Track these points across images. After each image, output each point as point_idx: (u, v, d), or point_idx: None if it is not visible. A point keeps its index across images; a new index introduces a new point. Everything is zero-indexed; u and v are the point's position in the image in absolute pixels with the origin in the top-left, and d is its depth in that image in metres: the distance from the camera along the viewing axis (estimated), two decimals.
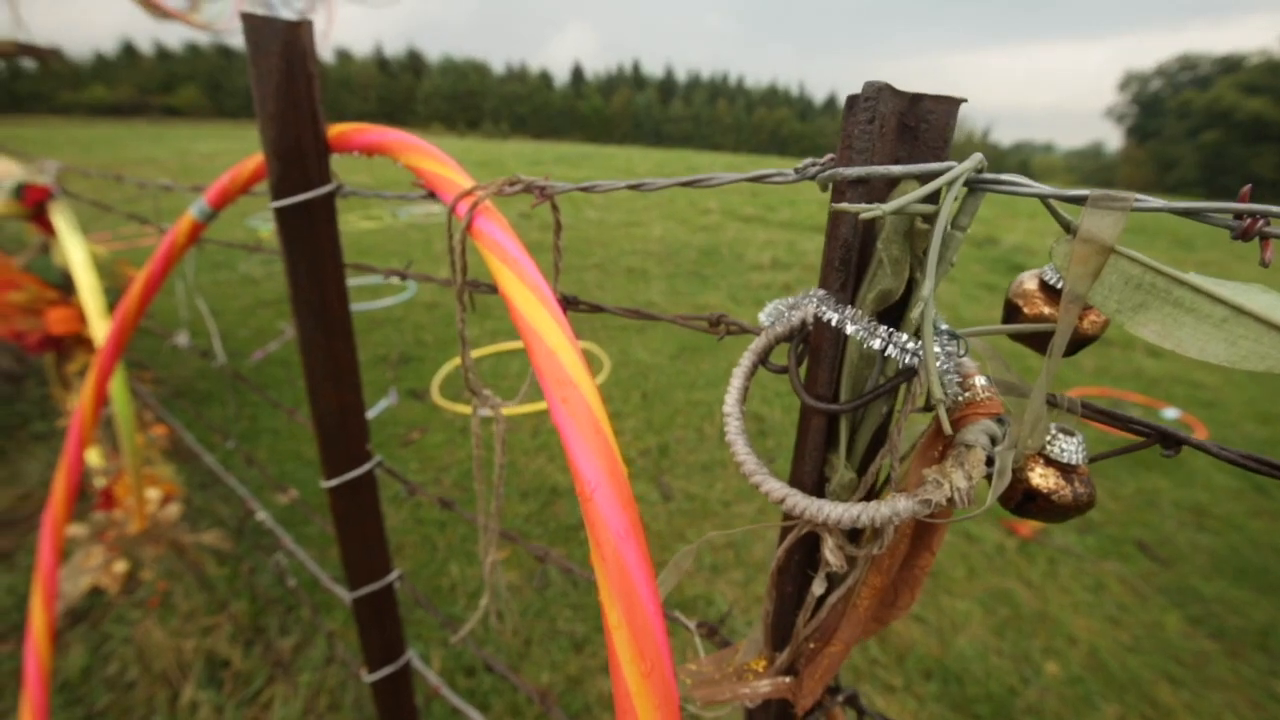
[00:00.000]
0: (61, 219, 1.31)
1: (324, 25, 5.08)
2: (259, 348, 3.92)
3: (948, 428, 0.31)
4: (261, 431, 3.01)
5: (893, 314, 0.36)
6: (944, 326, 0.35)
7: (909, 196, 0.29)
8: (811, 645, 0.43)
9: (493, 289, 0.56)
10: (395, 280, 5.21)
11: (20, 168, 1.31)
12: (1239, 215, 0.27)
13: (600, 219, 9.87)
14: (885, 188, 0.33)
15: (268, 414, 3.20)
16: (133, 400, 1.68)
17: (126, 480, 1.85)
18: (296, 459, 2.78)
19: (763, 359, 0.40)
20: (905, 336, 0.33)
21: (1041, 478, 0.36)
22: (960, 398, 0.36)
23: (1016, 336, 0.36)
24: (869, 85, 0.32)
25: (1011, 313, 0.36)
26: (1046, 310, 0.34)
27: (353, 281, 6.03)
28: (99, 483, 2.02)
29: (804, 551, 0.43)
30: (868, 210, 0.28)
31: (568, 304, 0.59)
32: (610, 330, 4.75)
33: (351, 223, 8.80)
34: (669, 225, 9.58)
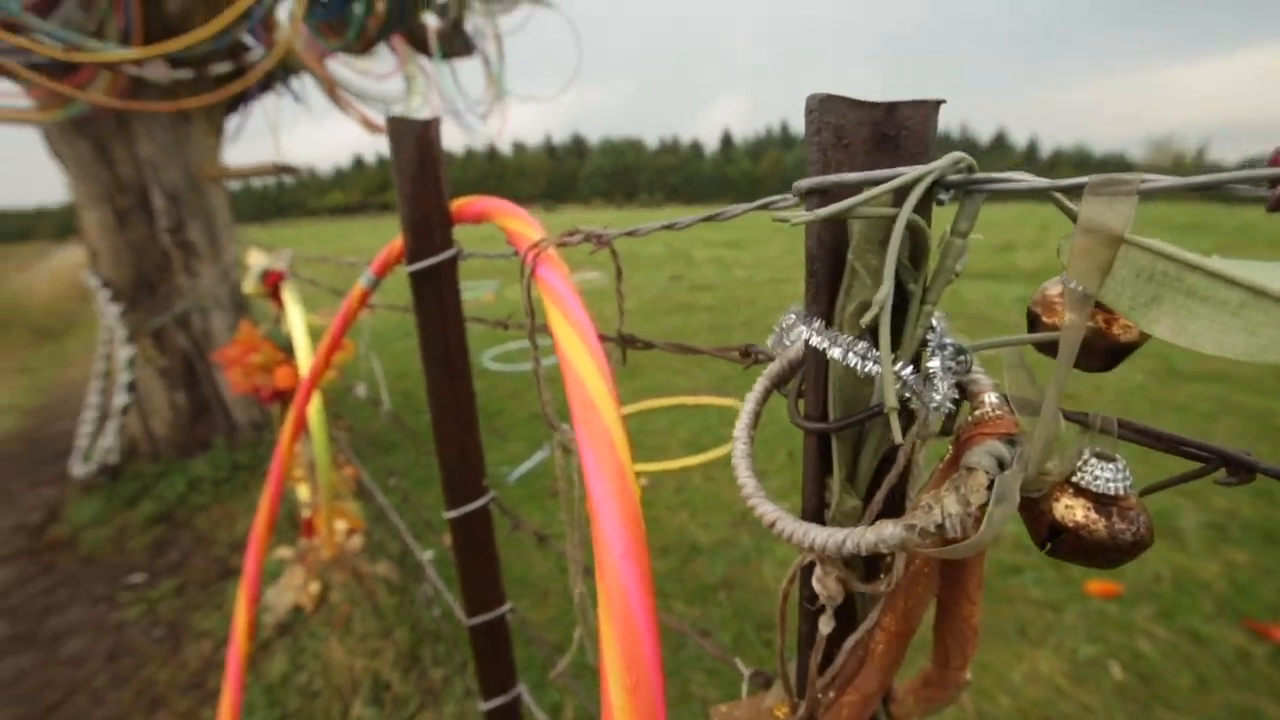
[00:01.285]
0: (289, 296, 1.65)
1: (499, 124, 5.76)
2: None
3: (898, 436, 0.29)
4: (432, 479, 3.38)
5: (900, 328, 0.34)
6: (949, 340, 0.33)
7: (839, 205, 0.29)
8: (831, 693, 0.40)
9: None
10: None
11: (265, 257, 1.69)
12: (1274, 182, 0.23)
13: (748, 278, 9.94)
14: (853, 195, 0.32)
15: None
16: (330, 444, 2.01)
17: (322, 513, 2.19)
18: None
19: (777, 384, 0.41)
20: (863, 346, 0.32)
21: (1068, 510, 0.32)
22: (969, 417, 0.34)
23: (1043, 349, 0.33)
24: (810, 98, 0.33)
25: (1033, 322, 0.33)
26: (1067, 318, 0.30)
27: (514, 345, 6.63)
28: (305, 513, 2.40)
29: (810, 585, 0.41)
30: (797, 217, 0.29)
31: (627, 342, 0.64)
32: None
33: (517, 291, 9.74)
34: None
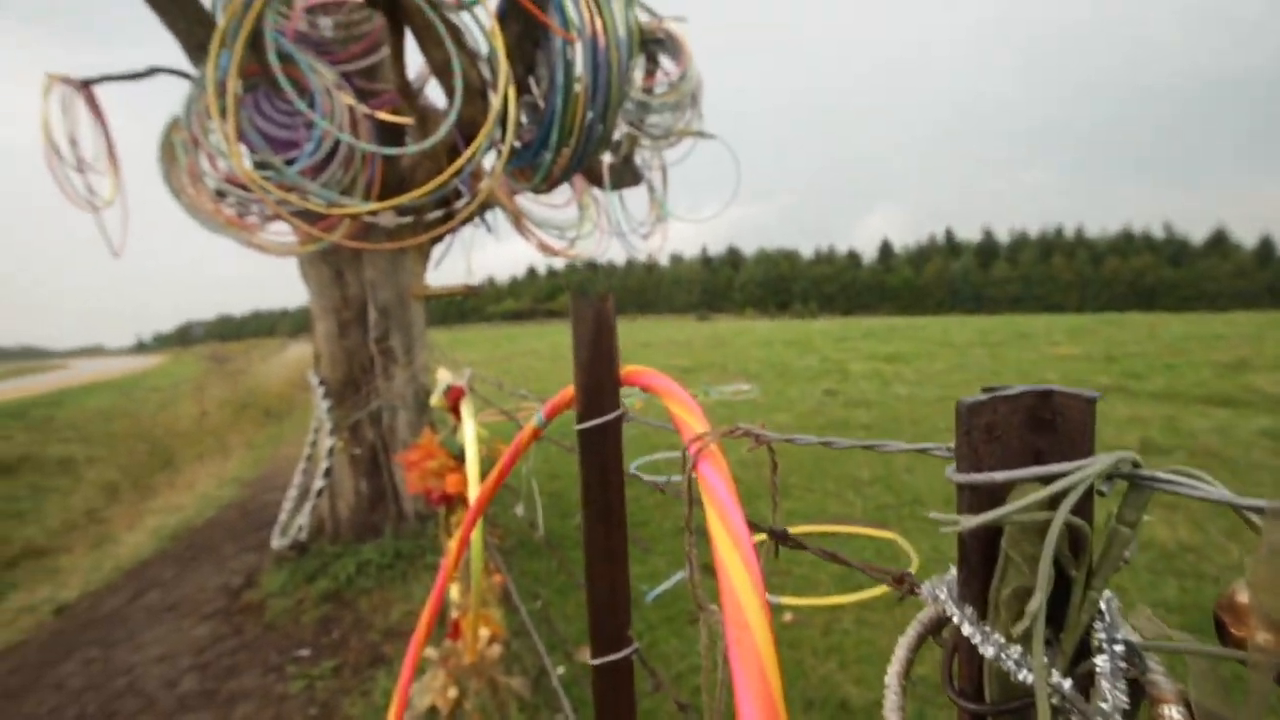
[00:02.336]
0: (466, 410, 1.81)
1: (660, 241, 6.14)
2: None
3: None
4: (572, 588, 3.37)
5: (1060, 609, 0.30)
6: (1120, 635, 0.29)
7: (992, 515, 0.28)
8: None
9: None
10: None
11: (449, 374, 1.89)
12: None
13: (911, 394, 9.29)
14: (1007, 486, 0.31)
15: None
16: (484, 549, 2.09)
17: (468, 617, 2.24)
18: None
19: (932, 631, 0.36)
20: (1017, 652, 0.28)
21: None
22: None
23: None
24: (960, 405, 0.32)
25: (1220, 627, 0.29)
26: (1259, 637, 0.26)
27: (661, 455, 6.65)
28: (453, 613, 2.47)
29: None
30: (949, 528, 0.28)
31: (778, 539, 0.59)
32: (920, 520, 4.26)
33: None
34: None
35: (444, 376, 1.83)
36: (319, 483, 3.70)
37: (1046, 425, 0.31)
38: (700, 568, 0.66)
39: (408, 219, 2.87)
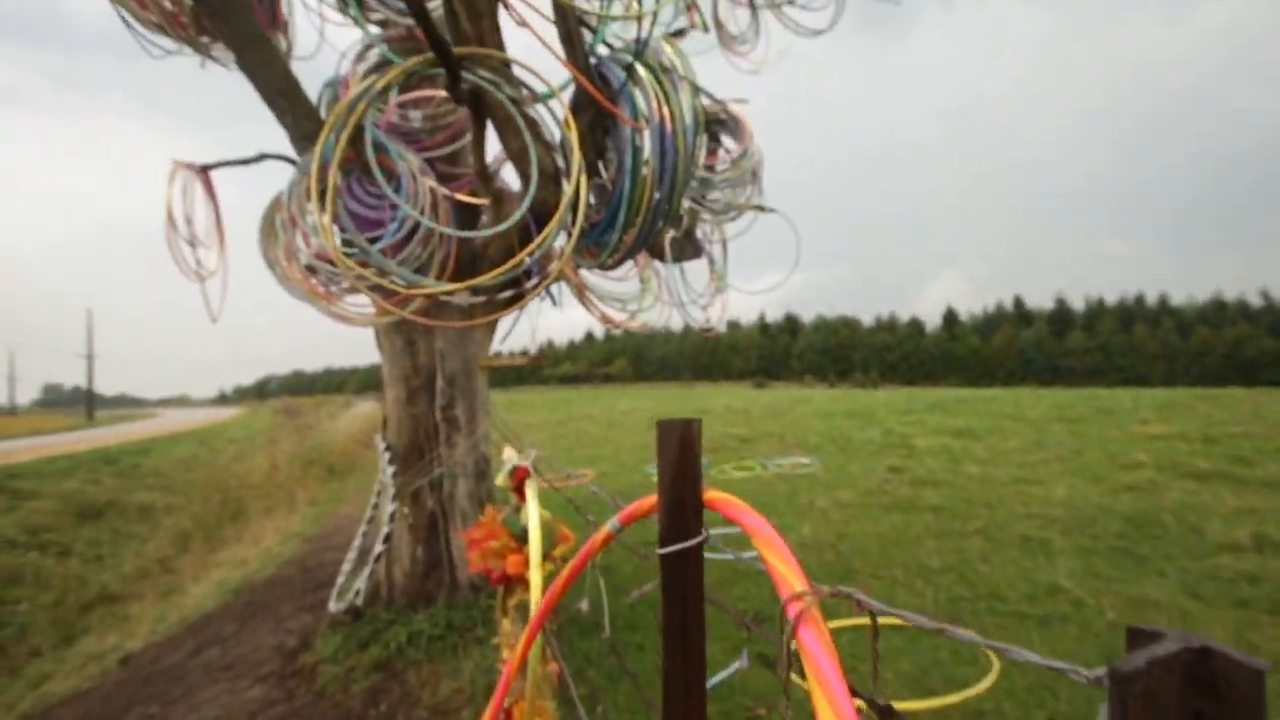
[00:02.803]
0: (531, 492, 1.79)
1: (720, 311, 6.16)
2: (638, 587, 4.37)
3: None
4: (623, 675, 3.22)
5: None
6: None
7: None
8: None
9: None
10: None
11: (515, 453, 1.89)
12: None
13: (983, 474, 8.75)
14: None
15: (633, 655, 3.44)
16: (543, 638, 2.02)
17: (523, 705, 2.15)
18: (645, 712, 2.84)
19: None
20: None
21: None
22: None
23: None
24: (1114, 672, 0.29)
25: None
26: None
27: (716, 531, 6.43)
28: (508, 701, 2.38)
29: None
30: None
31: (885, 715, 0.52)
32: (999, 615, 3.90)
33: (725, 471, 9.70)
34: (1076, 483, 7.90)
35: (510, 455, 1.84)
36: (378, 547, 3.73)
37: (1206, 685, 0.29)
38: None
39: (480, 298, 2.99)
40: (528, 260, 2.53)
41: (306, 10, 3.92)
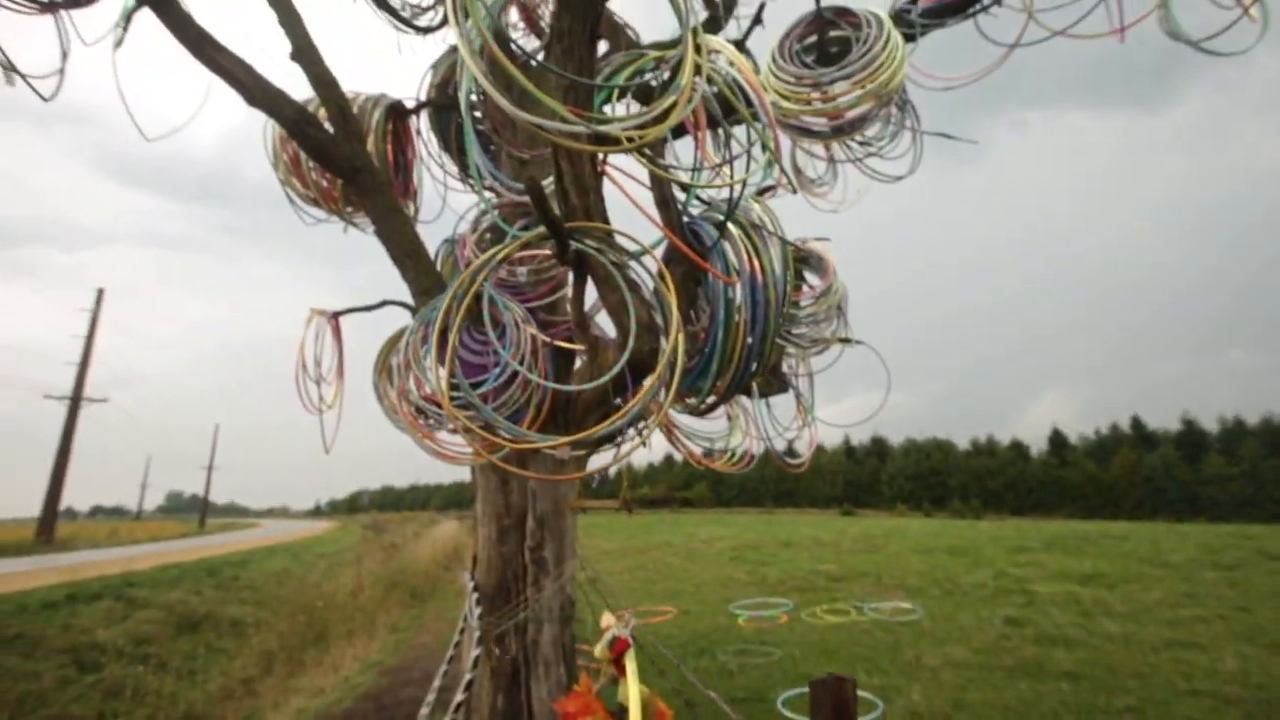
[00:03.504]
0: (630, 665, 1.71)
1: (808, 445, 6.04)
2: None
3: None
4: None
5: None
6: None
7: None
8: None
9: None
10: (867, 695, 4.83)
11: (614, 622, 1.83)
12: None
13: (1125, 633, 7.54)
14: None
15: None
16: None
17: None
18: None
19: None
20: None
21: None
22: None
23: None
24: None
25: None
26: None
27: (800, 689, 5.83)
28: None
29: None
30: None
31: None
32: None
33: (817, 615, 8.93)
34: (1249, 651, 6.63)
35: (608, 623, 1.77)
36: (459, 695, 3.60)
37: None
38: None
39: (581, 452, 3.08)
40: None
41: (433, 181, 4.51)
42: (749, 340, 3.05)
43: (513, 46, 2.82)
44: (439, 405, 3.51)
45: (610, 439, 3.22)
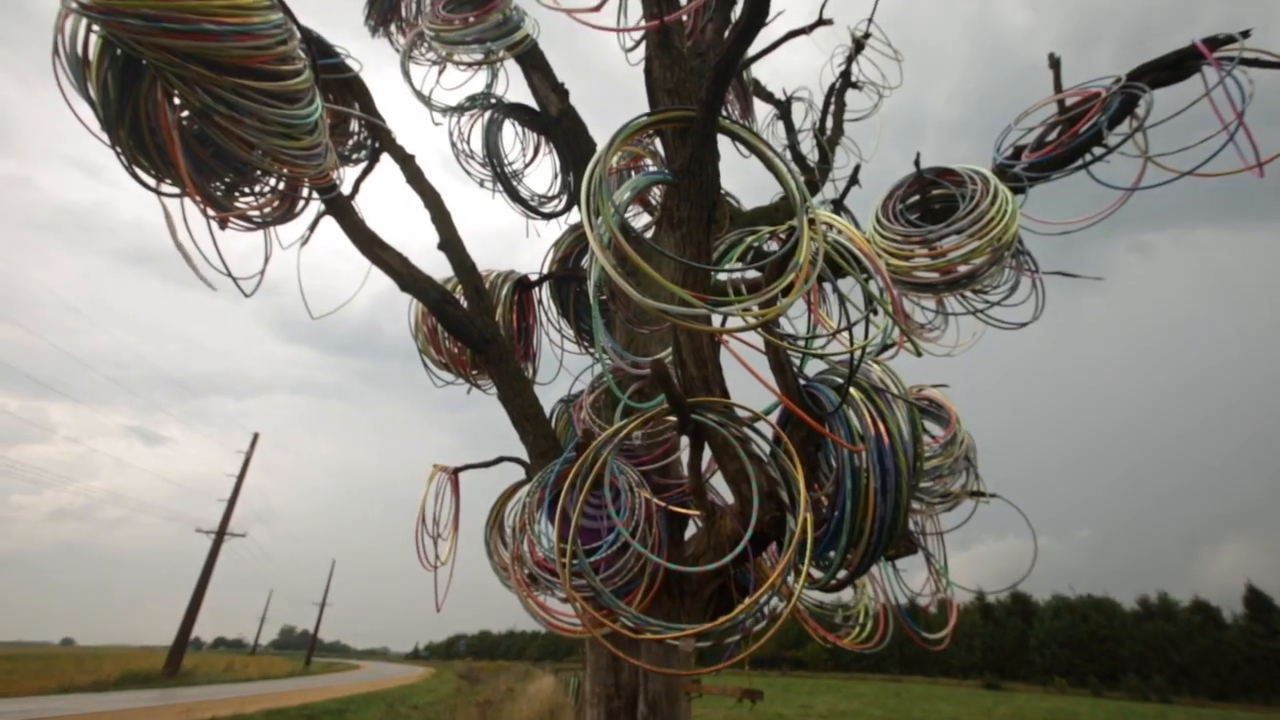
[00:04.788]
0: None
1: (949, 620, 5.36)
2: None
3: None
4: None
5: None
6: None
7: None
8: None
9: None
10: None
11: None
12: None
13: None
14: None
15: None
16: None
17: None
18: None
19: None
20: None
21: None
22: None
23: None
24: None
25: None
26: None
27: None
28: None
29: None
30: None
31: None
32: None
33: None
34: None
35: None
36: None
37: None
38: None
39: (706, 643, 2.88)
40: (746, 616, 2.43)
41: (551, 346, 4.82)
42: (880, 511, 2.82)
43: (636, 235, 3.07)
44: (552, 572, 3.45)
45: (735, 629, 2.98)
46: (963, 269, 4.23)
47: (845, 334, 3.08)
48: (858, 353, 2.77)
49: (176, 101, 3.09)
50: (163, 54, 2.76)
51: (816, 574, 3.14)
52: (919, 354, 3.05)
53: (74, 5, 2.70)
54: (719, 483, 3.29)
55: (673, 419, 2.87)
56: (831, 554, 2.87)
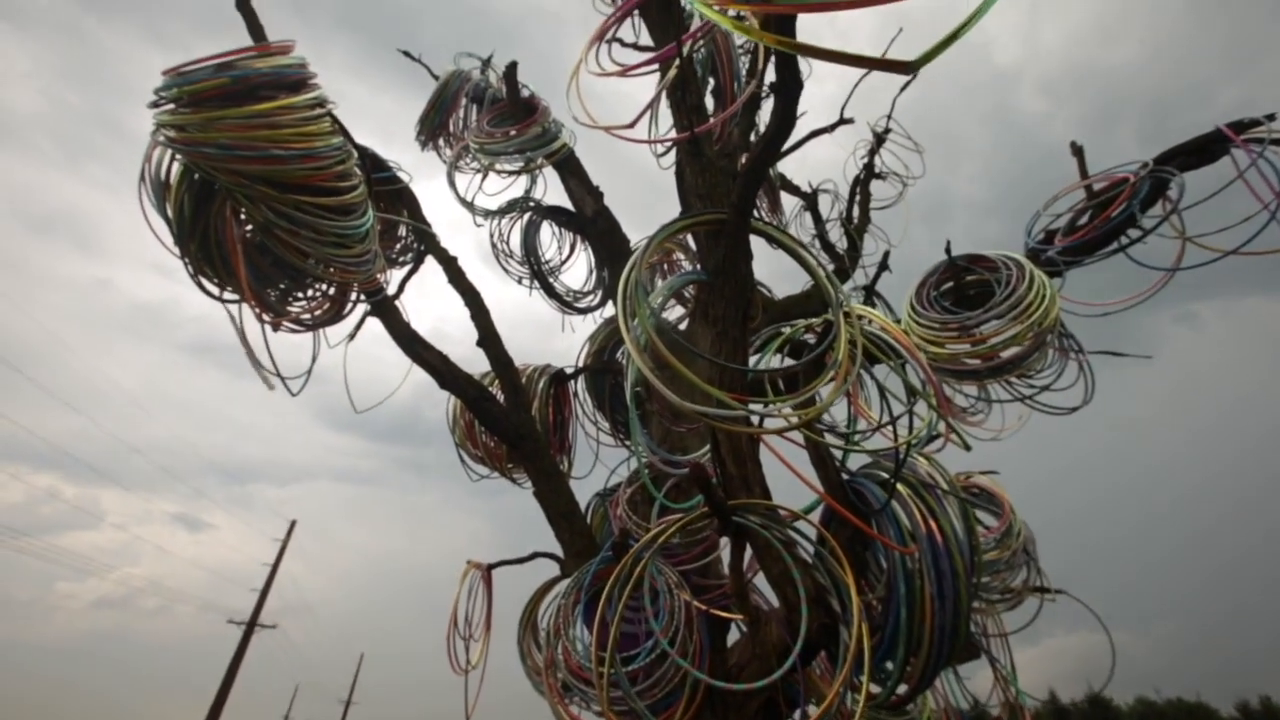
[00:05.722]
0: None
1: (999, 699, 4.98)
2: None
3: None
4: None
5: None
6: None
7: None
8: None
9: None
10: None
11: None
12: None
13: None
14: None
15: None
16: None
17: None
18: None
19: None
20: None
21: None
22: None
23: None
24: None
25: None
26: None
27: None
28: None
29: None
30: None
31: None
32: None
33: None
34: None
35: None
36: None
37: None
38: None
39: None
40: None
41: (587, 438, 4.81)
42: (939, 619, 2.63)
43: (671, 335, 3.11)
44: (588, 681, 3.28)
45: None
46: (1005, 354, 4.15)
47: (889, 427, 3.00)
48: (903, 447, 2.69)
49: (242, 217, 3.34)
50: (235, 177, 3.01)
51: (874, 689, 2.91)
52: (968, 448, 2.93)
53: (161, 138, 2.99)
54: (760, 580, 3.14)
55: (718, 530, 2.78)
56: (889, 665, 2.66)
